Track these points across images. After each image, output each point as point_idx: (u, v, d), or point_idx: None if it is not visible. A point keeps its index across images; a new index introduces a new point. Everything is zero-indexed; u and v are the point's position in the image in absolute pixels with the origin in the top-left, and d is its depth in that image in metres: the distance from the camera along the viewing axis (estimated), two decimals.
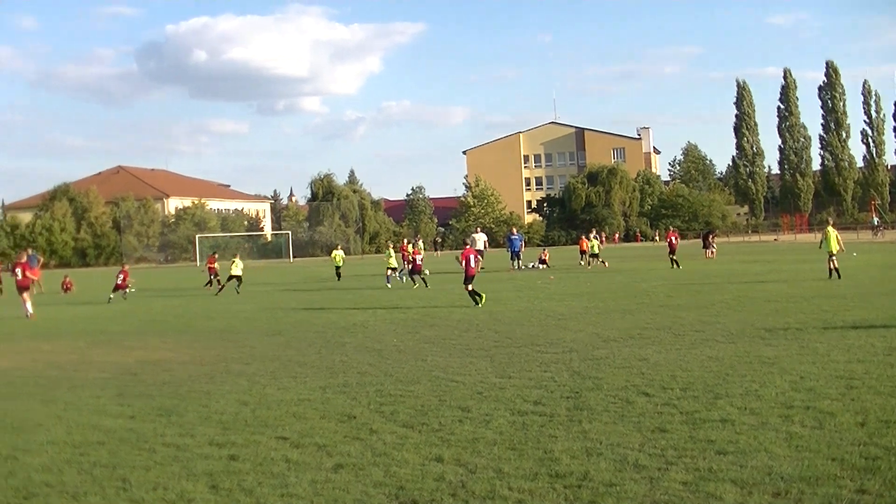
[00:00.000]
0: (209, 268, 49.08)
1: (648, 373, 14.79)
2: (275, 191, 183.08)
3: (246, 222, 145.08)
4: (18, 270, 34.32)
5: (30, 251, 56.13)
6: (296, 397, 14.00)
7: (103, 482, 9.52)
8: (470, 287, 30.99)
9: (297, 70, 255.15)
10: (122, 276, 42.13)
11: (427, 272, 42.94)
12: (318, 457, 10.29)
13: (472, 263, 31.76)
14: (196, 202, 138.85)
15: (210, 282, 47.25)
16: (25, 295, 33.49)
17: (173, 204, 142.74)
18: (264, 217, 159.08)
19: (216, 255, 52.56)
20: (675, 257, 49.30)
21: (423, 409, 12.68)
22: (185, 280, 49.94)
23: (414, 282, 41.77)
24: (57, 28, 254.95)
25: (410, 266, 42.49)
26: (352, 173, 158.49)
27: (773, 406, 11.71)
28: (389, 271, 44.20)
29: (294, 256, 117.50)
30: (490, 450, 10.21)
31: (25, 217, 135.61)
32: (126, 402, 14.12)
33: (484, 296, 30.52)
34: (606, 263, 53.06)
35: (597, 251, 53.95)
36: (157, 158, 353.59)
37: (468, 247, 35.42)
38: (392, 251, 45.71)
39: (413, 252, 43.74)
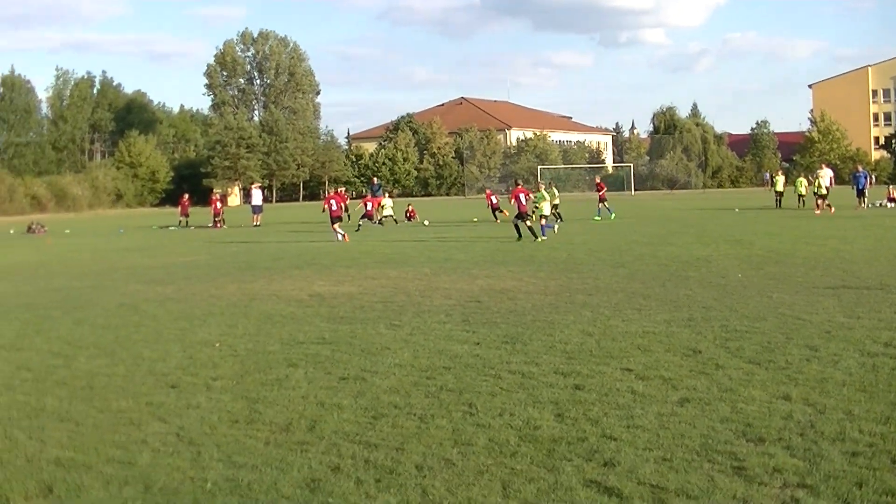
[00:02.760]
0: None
1: None
2: (617, 123, 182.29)
3: (587, 154, 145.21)
4: (333, 202, 37.92)
5: (375, 180, 58.13)
6: (640, 329, 13.86)
7: (450, 406, 9.67)
8: (518, 223, 33.94)
9: (641, 2, 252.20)
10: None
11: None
12: (663, 390, 10.15)
13: (524, 201, 33.97)
14: (538, 134, 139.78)
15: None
16: (337, 226, 37.36)
17: (515, 135, 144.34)
18: (605, 150, 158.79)
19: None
20: None
21: (770, 346, 12.29)
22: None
23: None
24: None
25: None
26: (694, 106, 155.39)
27: None
28: None
29: (635, 189, 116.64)
30: (839, 391, 9.80)
31: (369, 147, 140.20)
32: (471, 329, 14.33)
33: (532, 237, 33.04)
34: None
35: None
36: (499, 90, 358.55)
37: (519, 186, 35.88)
38: None
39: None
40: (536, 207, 35.35)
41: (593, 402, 9.69)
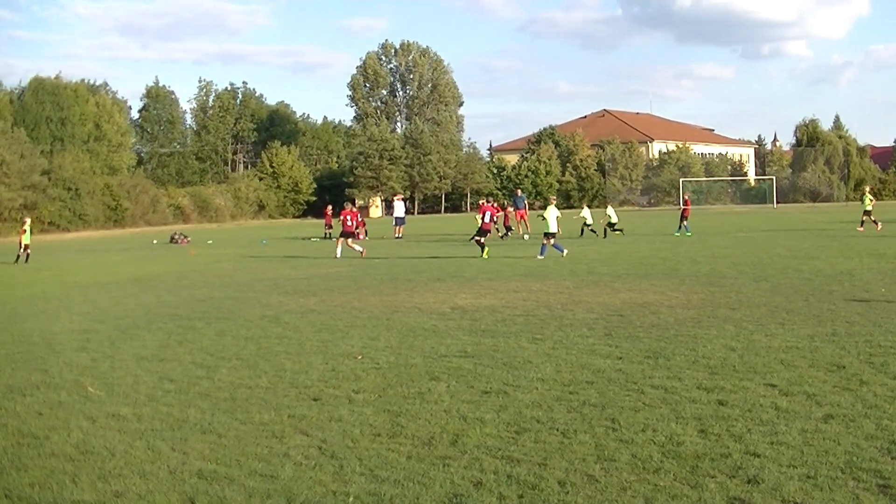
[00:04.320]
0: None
1: None
2: (759, 136, 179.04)
3: (729, 167, 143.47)
4: (347, 218, 38.54)
5: (518, 192, 58.12)
6: (784, 344, 13.67)
7: (592, 421, 9.65)
8: (481, 239, 34.94)
9: (783, 14, 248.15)
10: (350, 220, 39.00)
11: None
12: (807, 406, 10.00)
13: (487, 219, 35.53)
14: (680, 146, 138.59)
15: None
16: (350, 241, 38.18)
17: (657, 147, 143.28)
18: (748, 162, 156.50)
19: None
20: None
21: None
22: (670, 224, 49.96)
23: None
24: None
25: None
26: (837, 118, 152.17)
27: None
28: None
29: (777, 202, 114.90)
30: None
31: (512, 159, 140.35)
32: (614, 343, 14.26)
33: (486, 251, 34.28)
34: None
35: None
36: (641, 102, 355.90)
37: (484, 203, 37.77)
38: None
39: None
40: (543, 219, 34.74)
41: (737, 417, 9.59)
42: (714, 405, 10.14)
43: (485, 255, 33.98)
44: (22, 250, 42.14)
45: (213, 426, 10.08)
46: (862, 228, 44.46)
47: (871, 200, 47.30)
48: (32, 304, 23.75)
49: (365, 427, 9.77)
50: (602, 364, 12.58)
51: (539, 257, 32.21)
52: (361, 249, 37.67)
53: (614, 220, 47.72)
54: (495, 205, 46.40)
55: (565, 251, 32.72)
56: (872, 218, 45.40)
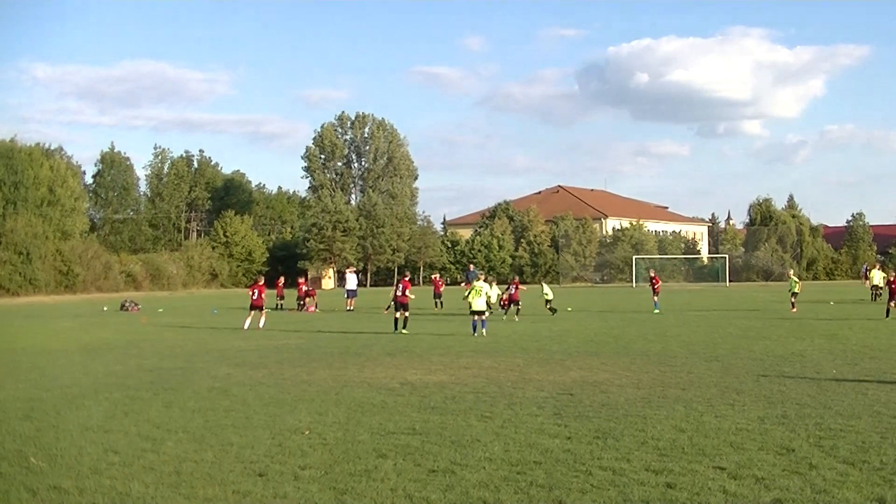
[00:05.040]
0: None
1: None
2: (713, 214, 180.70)
3: (683, 244, 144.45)
4: (256, 291, 39.66)
5: (471, 267, 58.26)
6: (733, 426, 13.69)
7: (539, 503, 9.57)
8: (397, 314, 34.55)
9: (739, 93, 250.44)
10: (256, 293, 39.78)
11: None
12: (755, 489, 10.04)
13: (401, 292, 34.71)
14: (634, 223, 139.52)
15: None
16: (255, 313, 39.11)
17: (611, 224, 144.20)
18: (701, 240, 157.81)
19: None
20: None
21: (864, 446, 12.19)
22: (622, 301, 50.16)
23: None
24: (503, 49, 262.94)
25: None
26: (791, 198, 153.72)
27: None
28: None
29: (730, 281, 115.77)
30: None
31: (465, 233, 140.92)
32: (563, 423, 14.21)
33: (394, 328, 34.10)
34: None
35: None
36: (597, 178, 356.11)
37: (405, 278, 37.40)
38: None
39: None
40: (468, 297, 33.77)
41: (685, 501, 9.59)
42: (662, 488, 10.10)
43: (401, 330, 33.92)
44: None
45: (156, 501, 9.97)
46: (795, 310, 44.81)
47: (797, 283, 48.16)
48: None
49: None
50: (550, 444, 12.52)
51: (475, 335, 31.76)
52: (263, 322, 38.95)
53: (550, 297, 47.63)
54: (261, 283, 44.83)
55: (484, 331, 32.20)
56: (792, 300, 46.18)
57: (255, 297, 39.33)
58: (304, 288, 56.57)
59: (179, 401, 17.24)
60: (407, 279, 36.74)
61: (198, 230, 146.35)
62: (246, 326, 37.88)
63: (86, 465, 11.75)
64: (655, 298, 48.23)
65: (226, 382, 19.90)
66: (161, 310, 59.06)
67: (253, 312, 39.05)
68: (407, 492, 10.09)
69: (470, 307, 33.01)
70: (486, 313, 32.62)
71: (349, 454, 12.09)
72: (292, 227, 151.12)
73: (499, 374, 20.96)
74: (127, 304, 60.68)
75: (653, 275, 52.23)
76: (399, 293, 34.89)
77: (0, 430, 14.42)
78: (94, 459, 12.06)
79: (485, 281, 33.94)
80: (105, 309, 60.56)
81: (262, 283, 41.24)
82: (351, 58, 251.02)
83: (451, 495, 9.93)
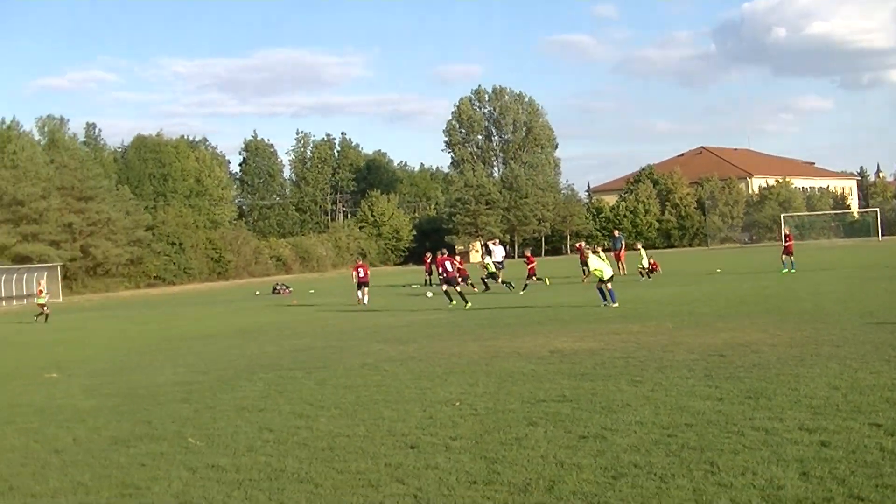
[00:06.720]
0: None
1: None
2: (861, 167, 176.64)
3: (831, 200, 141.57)
4: (360, 271, 43.40)
5: (616, 233, 57.85)
6: (889, 382, 13.36)
7: (691, 465, 9.50)
8: (444, 288, 36.47)
9: (882, 42, 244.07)
10: (361, 272, 43.39)
11: None
12: None
13: (450, 268, 36.41)
14: (780, 181, 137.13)
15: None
16: (365, 289, 42.54)
17: (757, 183, 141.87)
18: (850, 194, 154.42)
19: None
20: None
21: None
22: (772, 261, 49.16)
23: None
24: (634, 13, 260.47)
25: None
26: None
27: None
28: None
29: (883, 235, 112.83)
30: None
31: (610, 200, 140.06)
32: (714, 384, 14.05)
33: (463, 302, 34.34)
34: None
35: None
36: (739, 138, 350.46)
37: (440, 255, 39.44)
38: None
39: None
40: (592, 271, 32.22)
41: (840, 459, 9.38)
42: (816, 446, 9.93)
43: (453, 304, 34.61)
44: (41, 310, 44.92)
45: (310, 476, 10.11)
46: None
47: None
48: (138, 357, 24.17)
49: (461, 475, 9.72)
50: (702, 406, 12.40)
51: (612, 304, 30.32)
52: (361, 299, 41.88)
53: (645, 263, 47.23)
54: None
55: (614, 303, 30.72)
56: None
57: (361, 276, 42.77)
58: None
59: (332, 378, 17.50)
60: (444, 256, 37.37)
61: (343, 211, 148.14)
62: (366, 302, 41.34)
63: (242, 443, 12.01)
64: (786, 258, 46.83)
65: (377, 358, 20.13)
66: (312, 291, 60.03)
67: (362, 289, 42.28)
68: (558, 458, 10.10)
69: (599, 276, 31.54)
70: (609, 283, 31.48)
71: (499, 423, 12.14)
72: (437, 204, 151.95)
73: (648, 338, 20.80)
74: (278, 288, 61.81)
75: (787, 232, 50.98)
76: (442, 272, 36.35)
77: (160, 412, 14.84)
78: (249, 438, 12.32)
79: (593, 252, 33.00)
80: (257, 293, 61.78)
81: (447, 255, 41.42)
82: (484, 32, 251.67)
83: (602, 460, 9.91)
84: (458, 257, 46.98)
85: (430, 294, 42.40)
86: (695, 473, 9.18)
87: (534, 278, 44.33)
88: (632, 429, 11.33)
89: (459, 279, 38.25)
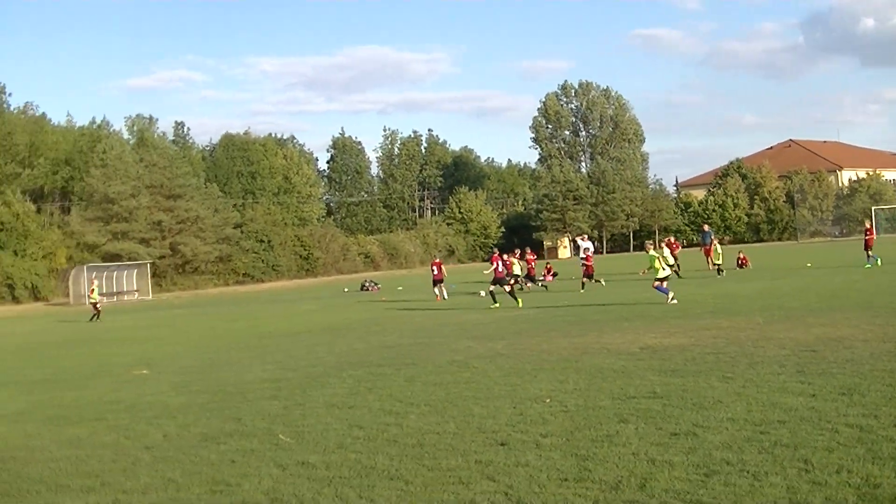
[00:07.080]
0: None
1: None
2: None
3: None
4: (434, 269, 44.93)
5: (706, 228, 57.48)
6: None
7: (784, 462, 9.40)
8: (491, 288, 36.69)
9: None
10: (436, 269, 44.83)
11: None
12: None
13: (500, 268, 37.07)
14: (871, 173, 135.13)
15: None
16: (441, 286, 43.99)
17: (846, 176, 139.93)
18: None
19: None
20: None
21: None
22: (861, 255, 48.29)
23: None
24: (719, 6, 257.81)
25: None
26: None
27: None
28: None
29: None
30: None
31: (698, 194, 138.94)
32: (806, 380, 13.88)
33: (514, 301, 34.68)
34: None
35: None
36: (828, 130, 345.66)
37: (494, 254, 40.87)
38: None
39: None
40: (650, 268, 31.60)
41: None
42: None
43: (519, 304, 34.41)
44: (94, 309, 46.91)
45: (400, 473, 10.15)
46: None
47: None
48: (227, 354, 24.46)
49: (552, 472, 9.71)
50: (794, 402, 12.26)
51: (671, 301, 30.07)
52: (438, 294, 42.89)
53: (670, 261, 45.89)
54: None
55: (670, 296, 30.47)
56: None
57: (436, 273, 44.25)
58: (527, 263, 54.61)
59: (421, 375, 17.56)
60: (496, 255, 38.88)
61: (431, 208, 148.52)
62: (445, 296, 43.06)
63: (331, 440, 12.09)
64: (869, 252, 45.54)
65: (466, 355, 20.17)
66: (400, 288, 60.25)
67: (438, 286, 43.65)
68: (649, 455, 10.05)
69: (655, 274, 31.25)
70: (665, 282, 31.05)
71: (590, 420, 12.11)
72: (524, 199, 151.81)
73: (738, 333, 20.61)
74: (367, 285, 62.14)
75: (868, 225, 49.57)
76: (500, 268, 37.00)
77: (250, 409, 15.00)
78: (339, 435, 12.40)
79: (654, 249, 32.51)
80: (346, 290, 62.16)
81: (438, 260, 46.39)
82: (569, 27, 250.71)
83: (694, 457, 9.85)
84: (520, 254, 47.06)
85: (482, 293, 42.01)
86: (788, 471, 9.08)
87: (548, 277, 45.55)
88: (723, 425, 11.24)
89: (512, 279, 38.38)
